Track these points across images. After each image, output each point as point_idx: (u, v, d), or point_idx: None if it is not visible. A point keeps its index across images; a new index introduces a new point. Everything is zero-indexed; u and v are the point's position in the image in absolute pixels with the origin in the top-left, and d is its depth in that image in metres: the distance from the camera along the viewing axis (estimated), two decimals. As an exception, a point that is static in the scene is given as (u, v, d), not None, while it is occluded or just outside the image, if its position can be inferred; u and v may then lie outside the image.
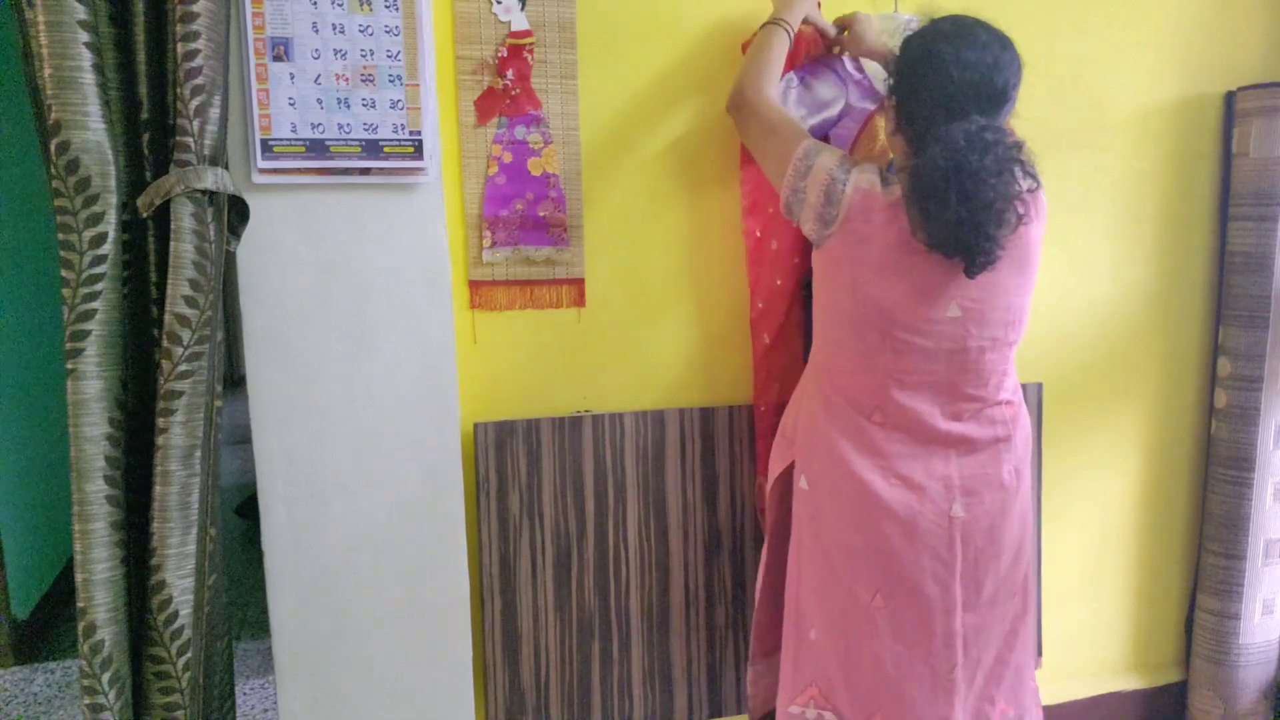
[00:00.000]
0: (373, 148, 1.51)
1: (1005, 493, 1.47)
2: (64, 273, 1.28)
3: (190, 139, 1.32)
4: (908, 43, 1.40)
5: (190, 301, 1.33)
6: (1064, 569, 2.17)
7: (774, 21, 1.58)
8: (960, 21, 1.36)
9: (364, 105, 1.49)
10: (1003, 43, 1.34)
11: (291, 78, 1.46)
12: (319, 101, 1.48)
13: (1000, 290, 1.39)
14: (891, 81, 1.42)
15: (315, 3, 1.45)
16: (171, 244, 1.32)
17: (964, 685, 1.49)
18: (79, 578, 1.31)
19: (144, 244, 1.38)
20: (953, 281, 1.37)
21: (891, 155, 1.56)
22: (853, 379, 1.44)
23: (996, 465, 1.46)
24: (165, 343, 1.33)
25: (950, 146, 1.28)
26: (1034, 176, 1.34)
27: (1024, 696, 1.59)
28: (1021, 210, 1.34)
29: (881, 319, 1.38)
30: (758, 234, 1.77)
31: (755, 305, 1.79)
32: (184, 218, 1.32)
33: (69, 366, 1.28)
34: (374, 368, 1.56)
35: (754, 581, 1.88)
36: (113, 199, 1.29)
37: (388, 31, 1.49)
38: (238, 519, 3.84)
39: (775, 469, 1.62)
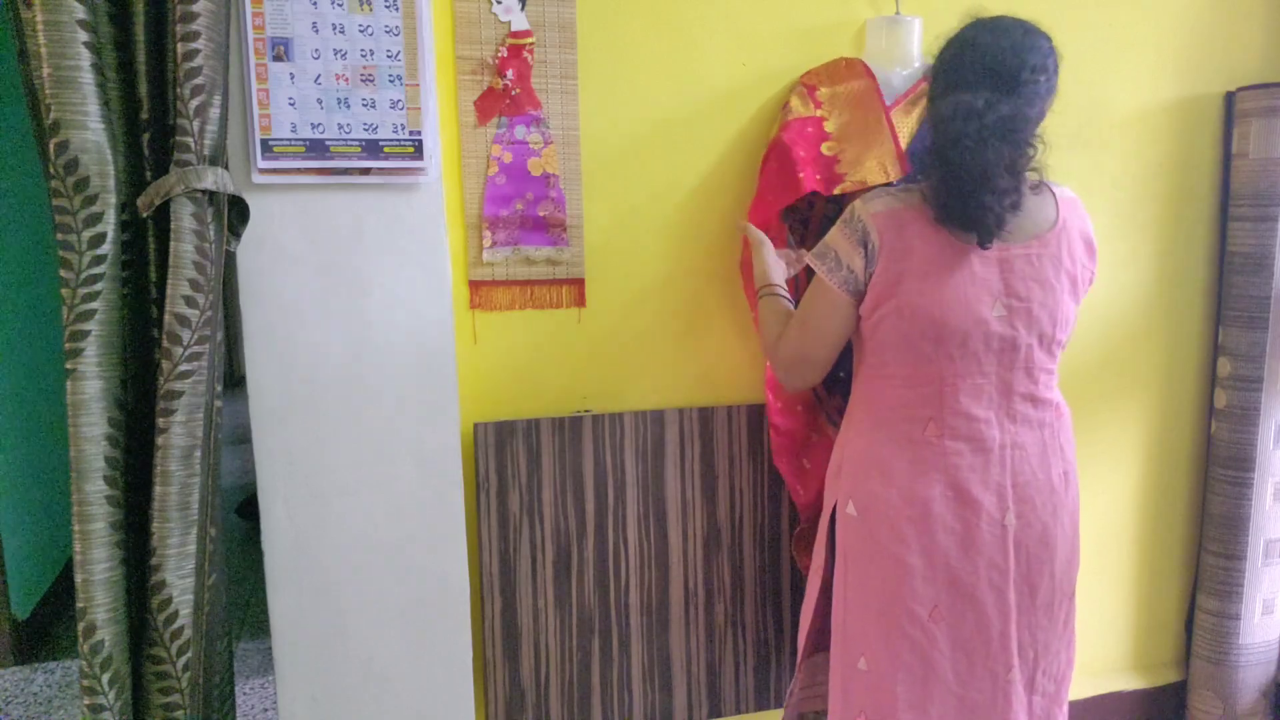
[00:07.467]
0: (373, 148, 1.51)
1: (1055, 496, 1.47)
2: (63, 273, 1.28)
3: (190, 139, 1.31)
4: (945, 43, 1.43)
5: (190, 301, 1.33)
6: (1064, 569, 2.17)
7: (767, 293, 1.59)
8: (996, 16, 1.39)
9: (364, 105, 1.49)
10: (1026, 30, 1.35)
11: (291, 78, 1.46)
12: (319, 101, 1.48)
13: (1042, 288, 1.40)
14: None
15: (315, 3, 1.45)
16: (171, 244, 1.31)
17: (1022, 687, 1.50)
18: (79, 578, 1.31)
19: (144, 244, 1.38)
20: (994, 280, 1.38)
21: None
22: (910, 391, 1.43)
23: (1046, 469, 1.46)
24: (165, 343, 1.32)
25: (937, 117, 1.33)
26: (1027, 151, 1.34)
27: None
28: (1021, 186, 1.33)
29: (932, 327, 1.37)
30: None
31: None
32: (184, 218, 1.31)
33: (69, 366, 1.28)
34: (373, 368, 1.56)
35: (752, 579, 1.88)
36: (112, 199, 1.29)
37: (388, 31, 1.49)
38: (238, 519, 3.84)
39: (827, 511, 1.59)
